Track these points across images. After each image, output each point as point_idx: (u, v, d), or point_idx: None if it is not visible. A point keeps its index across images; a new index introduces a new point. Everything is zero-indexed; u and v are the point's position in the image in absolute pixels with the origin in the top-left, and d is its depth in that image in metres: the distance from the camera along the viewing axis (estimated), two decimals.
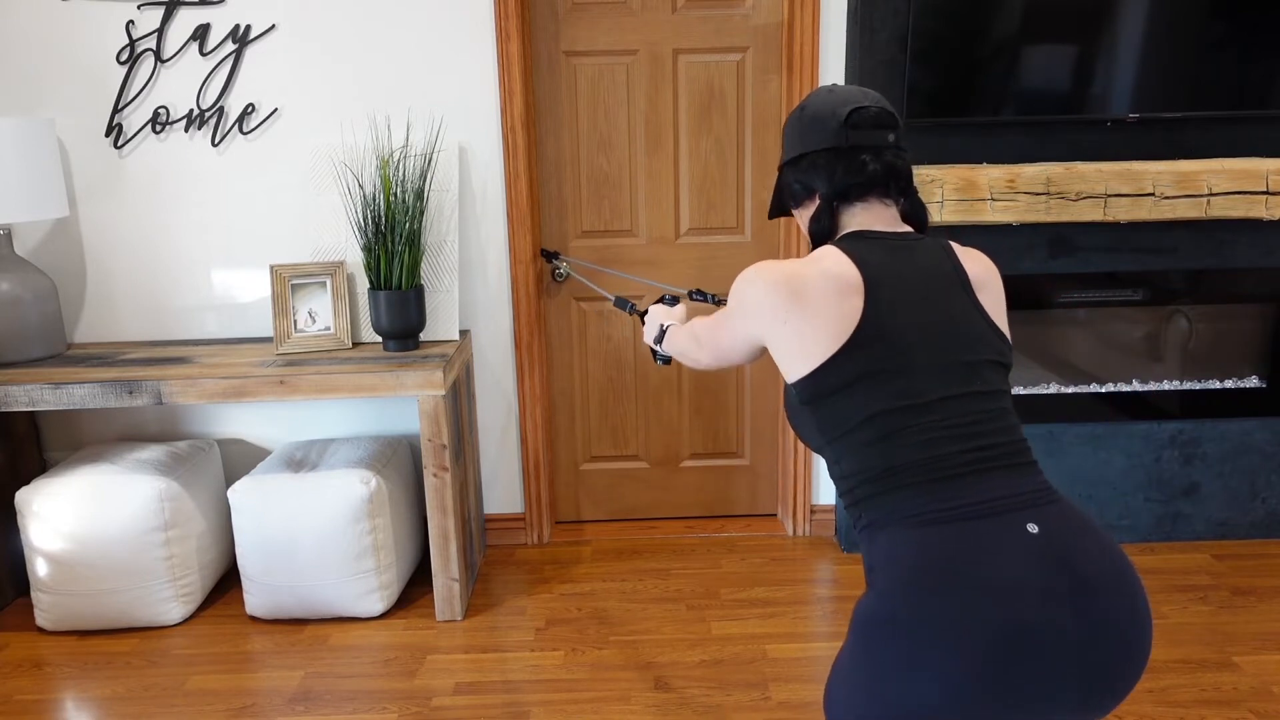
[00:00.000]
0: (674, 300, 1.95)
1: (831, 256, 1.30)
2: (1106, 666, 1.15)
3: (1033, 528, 1.17)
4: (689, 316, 1.84)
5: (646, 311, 1.93)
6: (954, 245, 1.37)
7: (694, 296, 2.34)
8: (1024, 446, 1.27)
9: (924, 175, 2.65)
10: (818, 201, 1.40)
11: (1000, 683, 1.10)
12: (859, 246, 1.31)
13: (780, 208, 1.50)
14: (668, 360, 1.85)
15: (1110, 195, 2.70)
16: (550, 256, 2.98)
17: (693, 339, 1.57)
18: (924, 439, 1.22)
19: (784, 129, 1.44)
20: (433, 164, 2.80)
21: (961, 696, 1.11)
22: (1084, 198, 2.69)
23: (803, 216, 1.45)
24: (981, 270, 1.35)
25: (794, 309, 1.26)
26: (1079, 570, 1.15)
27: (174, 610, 2.66)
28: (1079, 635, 1.13)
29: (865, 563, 1.27)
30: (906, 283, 1.28)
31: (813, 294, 1.26)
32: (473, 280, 2.97)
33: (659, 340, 1.77)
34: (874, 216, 1.37)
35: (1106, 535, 1.23)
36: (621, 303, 2.33)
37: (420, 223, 2.67)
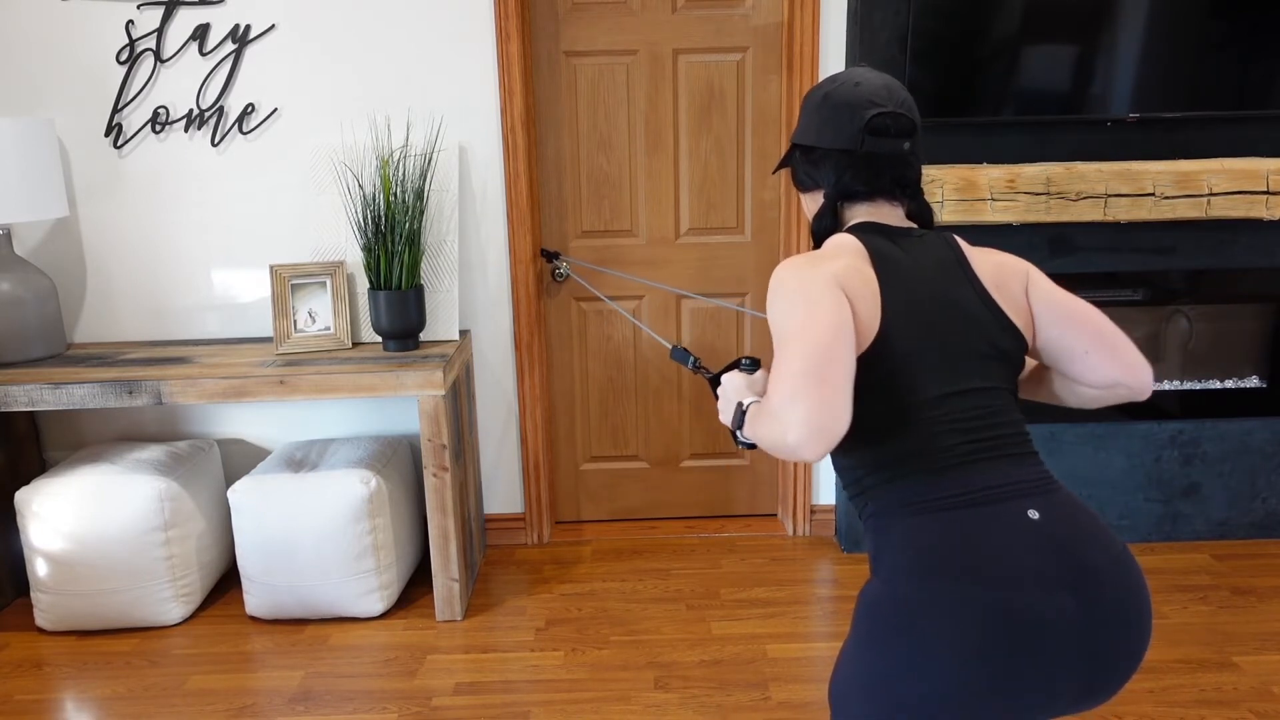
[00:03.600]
0: (753, 365, 1.44)
1: (853, 249, 1.29)
2: (1107, 650, 1.16)
3: (1033, 514, 1.19)
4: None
5: (717, 380, 1.48)
6: (962, 242, 1.37)
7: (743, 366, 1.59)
8: (1025, 437, 1.28)
9: (924, 175, 2.64)
10: (822, 199, 1.40)
11: (1001, 665, 1.11)
12: (872, 238, 1.31)
13: (786, 166, 1.50)
14: (753, 445, 1.34)
15: (1110, 195, 2.70)
16: (550, 256, 2.98)
17: (770, 418, 1.16)
18: (927, 432, 1.23)
19: (803, 102, 1.42)
20: (433, 164, 2.80)
21: (963, 679, 1.12)
22: (1084, 198, 2.69)
23: (807, 204, 1.45)
24: (993, 267, 1.34)
25: (848, 297, 1.22)
26: (1079, 555, 1.17)
27: (174, 610, 2.66)
28: (1079, 619, 1.14)
29: (869, 550, 1.28)
30: (913, 278, 1.28)
31: (858, 286, 1.24)
32: (473, 280, 2.97)
33: (739, 424, 1.32)
34: (878, 213, 1.37)
35: (1105, 523, 1.24)
36: (681, 354, 1.86)
37: (420, 223, 2.67)
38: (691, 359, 1.83)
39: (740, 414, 1.32)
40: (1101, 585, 1.16)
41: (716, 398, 1.44)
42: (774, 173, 1.57)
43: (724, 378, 1.43)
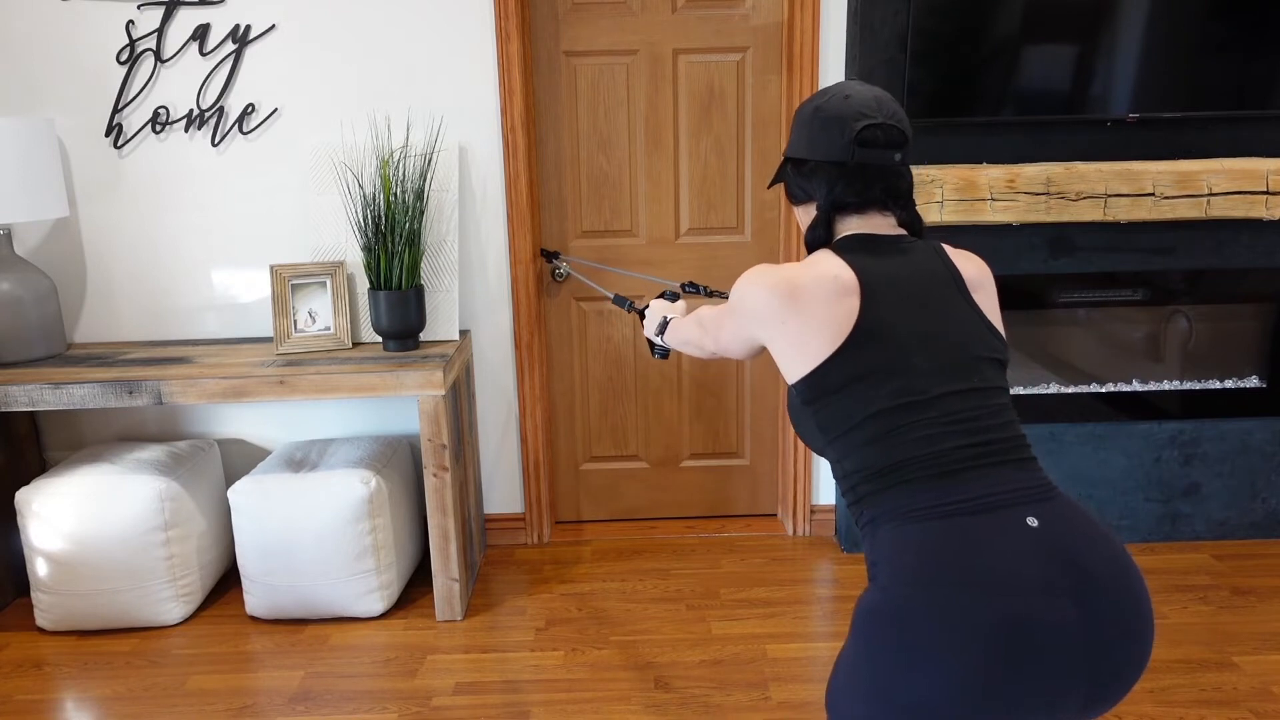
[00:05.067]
0: (674, 296, 1.97)
1: (827, 260, 1.32)
2: (1110, 659, 1.15)
3: (1033, 521, 1.18)
4: (689, 311, 1.84)
5: (647, 307, 1.95)
6: (946, 246, 1.39)
7: (687, 289, 2.35)
8: (1023, 442, 1.27)
9: (924, 175, 2.65)
10: (815, 211, 1.41)
11: (1002, 676, 1.11)
12: (854, 250, 1.33)
13: (780, 180, 1.52)
14: (666, 354, 1.91)
15: (1110, 195, 2.70)
16: (550, 256, 2.98)
17: (698, 326, 1.61)
18: (924, 435, 1.22)
19: (795, 116, 1.44)
20: (433, 164, 2.80)
21: (963, 690, 1.11)
22: (1084, 198, 2.69)
23: (800, 217, 1.47)
24: (974, 270, 1.37)
25: (792, 311, 1.28)
26: (1080, 563, 1.16)
27: (174, 610, 2.66)
28: (1081, 628, 1.13)
29: (867, 558, 1.27)
30: (901, 283, 1.29)
31: (810, 296, 1.27)
32: (473, 280, 2.97)
33: (661, 333, 1.82)
34: (870, 224, 1.39)
35: (1107, 528, 1.23)
36: (620, 300, 2.35)
37: (420, 223, 2.67)
38: (628, 303, 2.28)
39: (664, 324, 1.81)
40: (1102, 593, 1.15)
41: (643, 321, 1.92)
42: (769, 187, 1.60)
43: (651, 302, 1.93)
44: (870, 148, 1.35)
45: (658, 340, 1.85)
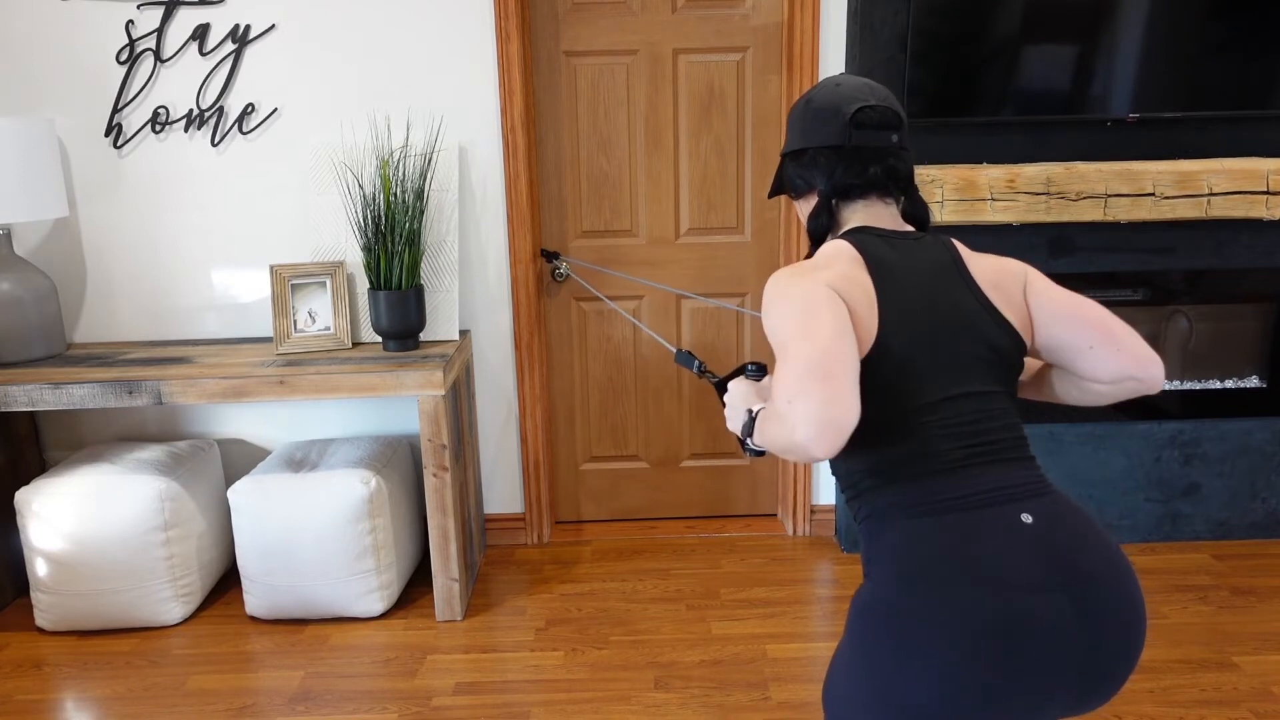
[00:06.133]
0: (759, 370, 1.45)
1: (847, 255, 1.29)
2: (1104, 654, 1.16)
3: (1026, 518, 1.19)
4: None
5: (723, 386, 1.47)
6: (962, 247, 1.36)
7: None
8: (1021, 441, 1.27)
9: (924, 175, 2.65)
10: (817, 198, 1.40)
11: (996, 671, 1.11)
12: (866, 242, 1.31)
13: (780, 188, 1.50)
14: (762, 453, 1.32)
15: (1110, 195, 2.70)
16: (550, 257, 2.98)
17: (780, 418, 1.13)
18: (923, 436, 1.23)
19: (788, 116, 1.43)
20: (433, 164, 2.80)
21: (958, 685, 1.11)
22: (1084, 198, 2.69)
23: (802, 209, 1.45)
24: (990, 270, 1.33)
25: (845, 303, 1.23)
26: (1074, 559, 1.16)
27: (174, 610, 2.66)
28: (1073, 622, 1.13)
29: (863, 554, 1.28)
30: (909, 283, 1.28)
31: (853, 293, 1.24)
32: (473, 280, 2.97)
33: (749, 432, 1.30)
34: (874, 214, 1.37)
35: (1099, 525, 1.24)
36: (686, 358, 1.84)
37: (420, 223, 2.67)
38: (696, 363, 1.81)
39: (750, 420, 1.30)
40: (1095, 588, 1.16)
41: (723, 404, 1.42)
42: (770, 197, 1.55)
43: (730, 385, 1.42)
44: (866, 129, 1.34)
45: (749, 441, 1.31)
